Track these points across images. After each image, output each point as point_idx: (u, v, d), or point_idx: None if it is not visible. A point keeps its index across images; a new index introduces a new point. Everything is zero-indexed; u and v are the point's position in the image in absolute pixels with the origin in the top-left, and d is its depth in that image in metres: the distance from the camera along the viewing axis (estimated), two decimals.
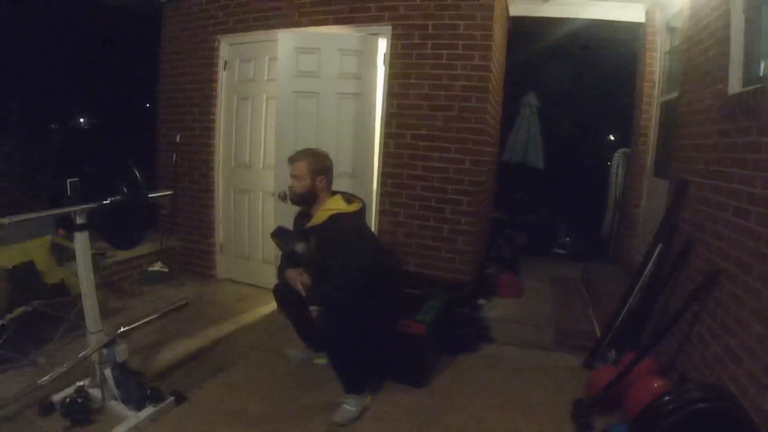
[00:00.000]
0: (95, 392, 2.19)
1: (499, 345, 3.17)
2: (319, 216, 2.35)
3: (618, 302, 2.98)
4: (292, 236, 2.49)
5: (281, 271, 2.55)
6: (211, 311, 3.55)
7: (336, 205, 2.37)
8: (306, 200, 2.41)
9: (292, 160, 2.39)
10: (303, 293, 2.38)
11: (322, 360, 2.80)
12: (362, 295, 2.27)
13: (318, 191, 2.38)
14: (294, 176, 2.37)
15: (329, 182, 2.42)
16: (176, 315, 3.41)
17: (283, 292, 2.62)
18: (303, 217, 2.52)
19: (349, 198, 2.45)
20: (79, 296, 2.24)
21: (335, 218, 2.31)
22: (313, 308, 2.65)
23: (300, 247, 2.41)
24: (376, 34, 3.45)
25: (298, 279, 2.41)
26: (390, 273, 2.54)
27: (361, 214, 2.42)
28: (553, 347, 3.15)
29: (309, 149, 2.48)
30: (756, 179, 1.92)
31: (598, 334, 3.07)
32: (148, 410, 2.16)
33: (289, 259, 2.51)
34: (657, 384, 2.19)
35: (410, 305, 2.80)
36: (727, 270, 2.11)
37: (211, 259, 4.30)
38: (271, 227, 3.71)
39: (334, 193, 2.45)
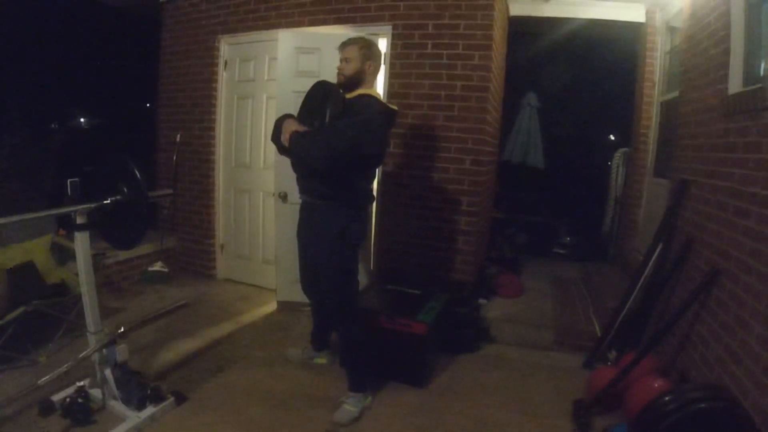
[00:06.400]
0: (95, 392, 2.19)
1: (500, 345, 3.17)
2: (353, 94, 2.33)
3: (618, 302, 2.98)
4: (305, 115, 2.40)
5: (282, 119, 2.38)
6: (211, 311, 3.55)
7: (375, 92, 2.37)
8: (352, 84, 2.34)
9: (344, 44, 2.36)
10: (287, 139, 2.25)
11: (322, 360, 2.81)
12: (347, 194, 2.27)
13: (365, 75, 2.34)
14: (344, 59, 2.34)
15: (375, 71, 2.39)
16: (176, 315, 3.43)
17: (307, 282, 2.60)
18: (334, 91, 2.40)
19: (387, 102, 2.42)
20: (79, 296, 2.24)
21: (365, 96, 2.30)
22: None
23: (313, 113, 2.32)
24: (376, 34, 3.44)
25: (294, 127, 2.26)
26: (368, 196, 2.46)
27: (391, 114, 2.36)
28: (553, 347, 3.15)
29: (361, 36, 2.47)
30: (756, 179, 1.92)
31: (599, 334, 3.07)
32: (149, 410, 2.16)
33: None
34: (657, 384, 2.19)
35: (410, 305, 2.80)
36: (727, 270, 2.11)
37: (212, 259, 4.30)
38: (272, 227, 3.76)
39: None
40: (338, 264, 2.31)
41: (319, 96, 2.38)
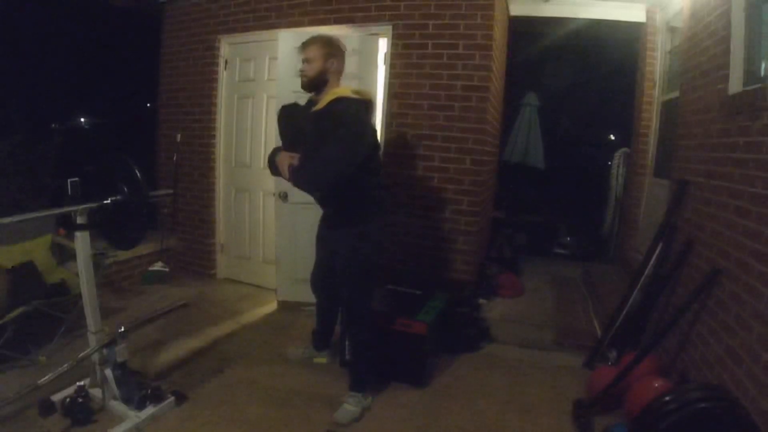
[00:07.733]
0: (96, 392, 2.20)
1: (500, 345, 3.17)
2: (324, 100, 2.29)
3: (618, 302, 2.98)
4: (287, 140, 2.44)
5: (274, 155, 2.40)
6: (211, 311, 3.55)
7: (343, 91, 2.30)
8: (317, 84, 2.33)
9: (305, 45, 2.33)
10: (287, 175, 2.28)
11: (322, 359, 2.81)
12: (357, 202, 2.30)
13: (329, 74, 2.31)
14: (306, 60, 2.30)
15: (340, 68, 2.36)
16: (176, 315, 3.43)
17: (318, 282, 2.65)
18: (299, 109, 2.46)
19: (358, 91, 2.38)
20: (79, 296, 2.24)
21: (338, 100, 2.24)
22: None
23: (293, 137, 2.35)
24: (377, 34, 3.45)
25: (288, 161, 2.28)
26: (380, 188, 2.43)
27: (367, 105, 2.33)
28: (553, 347, 3.15)
29: (321, 34, 2.43)
30: (756, 179, 1.92)
31: (599, 333, 3.07)
32: (149, 410, 2.16)
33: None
34: (657, 384, 2.19)
35: (411, 305, 2.80)
36: (727, 270, 2.11)
37: (212, 259, 4.30)
38: (272, 227, 3.76)
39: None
40: (360, 263, 2.34)
41: (289, 120, 2.42)
